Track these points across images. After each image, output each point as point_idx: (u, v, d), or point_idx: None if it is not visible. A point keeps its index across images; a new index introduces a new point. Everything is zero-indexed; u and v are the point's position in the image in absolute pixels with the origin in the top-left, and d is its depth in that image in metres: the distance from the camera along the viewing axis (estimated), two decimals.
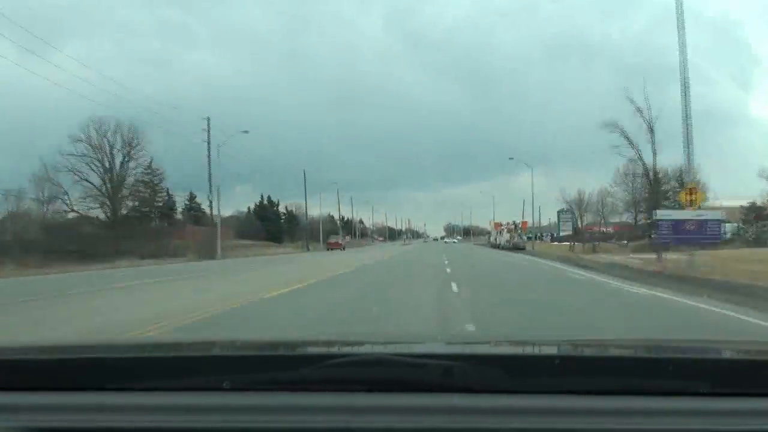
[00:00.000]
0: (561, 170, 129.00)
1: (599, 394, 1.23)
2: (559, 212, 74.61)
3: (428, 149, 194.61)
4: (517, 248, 54.06)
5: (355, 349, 1.73)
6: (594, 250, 44.10)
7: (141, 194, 51.75)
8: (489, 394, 1.24)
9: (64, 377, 1.34)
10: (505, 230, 70.01)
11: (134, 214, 50.10)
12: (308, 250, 66.53)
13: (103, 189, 47.72)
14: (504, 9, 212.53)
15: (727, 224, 36.80)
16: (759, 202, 51.86)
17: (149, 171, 51.55)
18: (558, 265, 27.37)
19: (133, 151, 48.65)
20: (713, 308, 10.17)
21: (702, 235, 20.31)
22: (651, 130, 35.71)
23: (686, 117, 35.08)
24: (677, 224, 20.31)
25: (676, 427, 1.15)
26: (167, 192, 56.17)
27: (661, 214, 22.43)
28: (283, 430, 1.19)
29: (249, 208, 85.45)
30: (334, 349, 1.76)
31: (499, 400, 1.22)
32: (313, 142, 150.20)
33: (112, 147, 47.79)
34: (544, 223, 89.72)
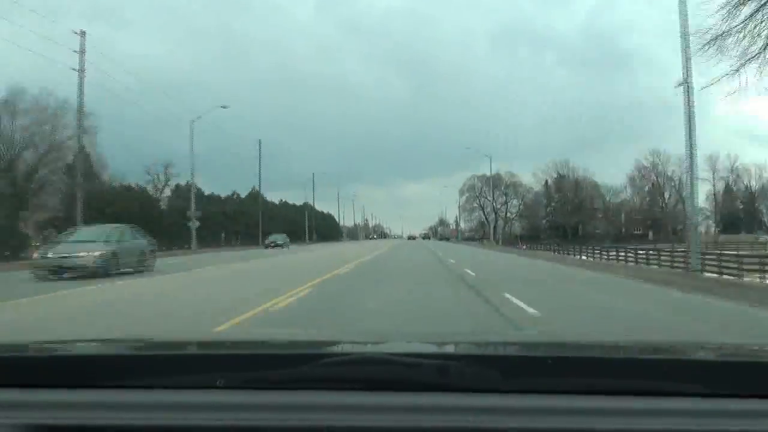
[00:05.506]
0: (523, 166, 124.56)
1: (593, 395, 1.24)
2: None
3: (380, 142, 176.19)
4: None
5: (350, 348, 1.72)
6: None
7: None
8: (484, 394, 1.24)
9: (59, 374, 1.33)
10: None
11: None
12: None
13: None
14: None
15: None
16: None
17: None
18: None
19: None
20: None
21: None
22: None
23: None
24: None
25: (670, 428, 1.16)
26: None
27: None
28: (276, 429, 1.18)
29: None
30: (329, 348, 1.74)
31: (494, 399, 1.23)
32: (245, 126, 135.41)
33: None
34: None
